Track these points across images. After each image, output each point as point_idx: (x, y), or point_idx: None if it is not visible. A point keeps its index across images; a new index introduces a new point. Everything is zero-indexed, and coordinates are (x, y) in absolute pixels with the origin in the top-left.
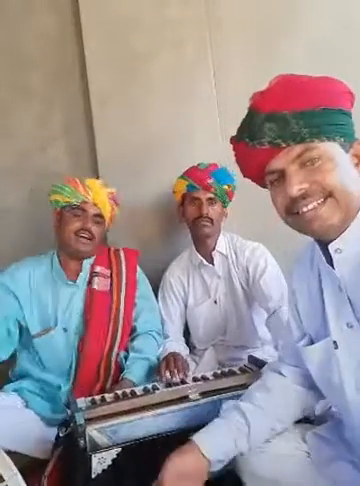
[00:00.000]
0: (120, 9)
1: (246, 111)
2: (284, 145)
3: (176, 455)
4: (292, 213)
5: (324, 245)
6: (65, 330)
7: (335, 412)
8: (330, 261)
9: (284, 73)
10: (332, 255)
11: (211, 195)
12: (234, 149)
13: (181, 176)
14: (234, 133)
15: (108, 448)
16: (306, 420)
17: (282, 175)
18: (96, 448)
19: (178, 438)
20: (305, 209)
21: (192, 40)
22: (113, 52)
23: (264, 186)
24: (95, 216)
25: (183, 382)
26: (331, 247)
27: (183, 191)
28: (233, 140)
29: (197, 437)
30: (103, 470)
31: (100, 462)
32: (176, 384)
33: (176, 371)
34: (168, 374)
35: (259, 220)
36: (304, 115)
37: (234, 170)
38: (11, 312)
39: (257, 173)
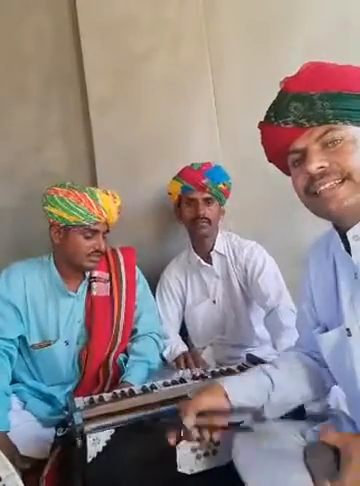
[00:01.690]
0: (117, 9)
1: (244, 111)
2: (308, 125)
3: (202, 394)
4: (310, 194)
5: (342, 232)
6: (67, 343)
7: (334, 409)
8: (348, 249)
9: (313, 61)
10: (350, 242)
11: (207, 195)
12: (261, 131)
13: (175, 177)
14: (232, 132)
15: (102, 428)
16: (303, 416)
17: (304, 155)
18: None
19: (172, 418)
20: (322, 188)
21: (190, 40)
22: (110, 52)
23: (288, 172)
24: (104, 233)
25: (182, 381)
26: (349, 234)
27: (178, 192)
28: (260, 123)
29: (225, 382)
30: (98, 453)
31: (94, 443)
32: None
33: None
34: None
35: (256, 219)
36: (330, 97)
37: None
38: (16, 330)
39: (281, 154)
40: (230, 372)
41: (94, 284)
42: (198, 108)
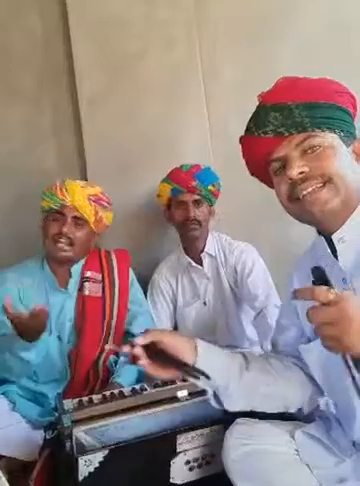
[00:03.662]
0: (108, 9)
1: (235, 111)
2: (287, 134)
3: (173, 333)
4: (293, 200)
5: (328, 237)
6: (59, 338)
7: (323, 410)
8: (335, 253)
9: (288, 76)
10: (336, 246)
11: (197, 197)
12: (242, 145)
13: (164, 180)
14: (223, 133)
15: (94, 450)
16: (291, 417)
17: (285, 162)
18: (83, 450)
19: (165, 439)
20: (305, 192)
21: (181, 40)
22: (101, 52)
23: (270, 184)
24: (75, 219)
25: (172, 382)
26: (334, 237)
27: (168, 195)
28: (241, 137)
29: (200, 341)
30: (90, 473)
31: (86, 465)
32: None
33: None
34: None
35: (247, 220)
36: (306, 106)
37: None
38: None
39: (262, 165)
40: None
41: (86, 284)
42: (189, 108)
